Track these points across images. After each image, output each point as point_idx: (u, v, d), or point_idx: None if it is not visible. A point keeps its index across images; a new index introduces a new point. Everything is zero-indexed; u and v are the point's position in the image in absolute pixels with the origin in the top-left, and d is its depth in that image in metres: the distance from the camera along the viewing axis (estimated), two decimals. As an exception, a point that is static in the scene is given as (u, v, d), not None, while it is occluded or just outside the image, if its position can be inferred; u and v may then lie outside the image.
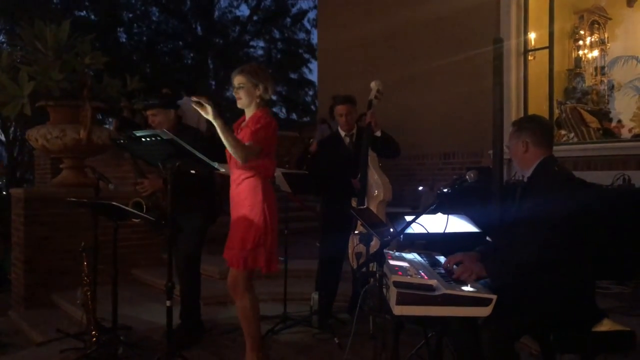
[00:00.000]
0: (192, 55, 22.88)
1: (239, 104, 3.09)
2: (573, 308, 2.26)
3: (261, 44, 24.15)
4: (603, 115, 6.98)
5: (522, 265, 2.29)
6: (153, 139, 2.54)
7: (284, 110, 24.63)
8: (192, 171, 3.20)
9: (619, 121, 6.83)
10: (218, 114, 2.74)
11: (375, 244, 3.41)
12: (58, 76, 5.03)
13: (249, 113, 3.10)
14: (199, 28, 22.72)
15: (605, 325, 2.28)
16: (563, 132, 6.78)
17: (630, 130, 6.52)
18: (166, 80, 16.34)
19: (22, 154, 16.97)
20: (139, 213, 3.22)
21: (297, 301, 4.62)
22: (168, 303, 2.79)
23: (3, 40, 16.34)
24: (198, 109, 2.69)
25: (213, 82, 22.74)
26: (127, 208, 3.19)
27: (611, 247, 3.77)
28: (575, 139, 6.59)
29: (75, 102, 5.39)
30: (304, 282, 4.88)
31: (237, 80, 3.04)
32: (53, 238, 5.23)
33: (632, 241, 4.20)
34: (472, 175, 2.56)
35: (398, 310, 2.05)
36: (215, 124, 2.73)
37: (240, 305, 3.11)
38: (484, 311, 2.05)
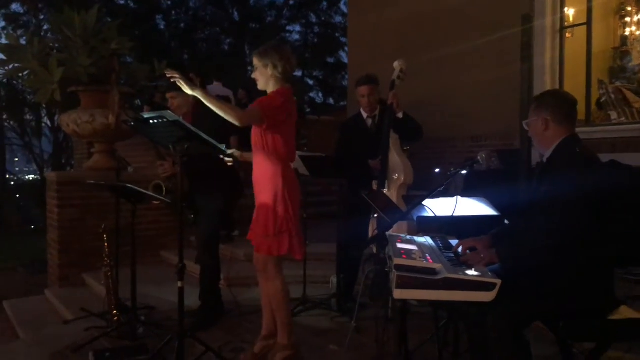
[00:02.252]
0: (229, 41, 23.04)
1: (258, 86, 3.10)
2: (588, 294, 2.15)
3: (297, 28, 24.11)
4: (645, 95, 6.62)
5: (537, 249, 2.18)
6: (160, 120, 2.55)
7: (320, 94, 24.59)
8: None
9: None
10: (195, 84, 2.74)
11: (398, 228, 3.34)
12: (86, 62, 5.13)
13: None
14: (235, 14, 22.82)
15: (623, 313, 2.16)
16: (607, 112, 6.47)
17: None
18: (203, 67, 16.55)
19: (66, 140, 17.53)
20: (153, 195, 3.26)
21: (319, 284, 4.63)
22: (180, 284, 2.82)
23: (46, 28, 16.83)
24: (179, 84, 2.68)
25: (250, 68, 22.85)
26: (141, 190, 3.24)
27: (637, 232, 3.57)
28: (623, 119, 6.26)
29: (104, 88, 5.49)
30: (327, 266, 4.87)
31: (253, 62, 3.07)
32: (84, 220, 5.38)
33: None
34: (483, 155, 2.46)
35: (398, 293, 2.01)
36: (196, 94, 2.73)
37: (271, 289, 3.13)
38: (487, 296, 1.98)
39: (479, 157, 2.48)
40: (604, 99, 6.48)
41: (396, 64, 3.96)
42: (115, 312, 3.64)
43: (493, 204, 3.22)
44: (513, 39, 6.12)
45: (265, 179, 3.04)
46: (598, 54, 6.43)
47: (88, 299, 4.62)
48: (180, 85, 2.70)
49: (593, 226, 2.13)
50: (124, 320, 3.64)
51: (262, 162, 3.04)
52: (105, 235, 3.72)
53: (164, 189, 3.66)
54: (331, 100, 24.59)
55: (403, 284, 1.99)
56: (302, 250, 3.13)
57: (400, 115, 3.89)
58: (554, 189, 2.18)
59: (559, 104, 2.36)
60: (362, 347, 3.36)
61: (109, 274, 3.70)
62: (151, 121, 2.58)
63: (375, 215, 3.84)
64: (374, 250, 3.70)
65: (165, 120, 2.53)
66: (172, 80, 2.70)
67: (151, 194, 3.32)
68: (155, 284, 4.79)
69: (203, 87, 4.07)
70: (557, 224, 2.13)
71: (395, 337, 2.33)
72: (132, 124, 2.75)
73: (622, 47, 6.89)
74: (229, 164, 3.19)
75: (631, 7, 6.77)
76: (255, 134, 3.01)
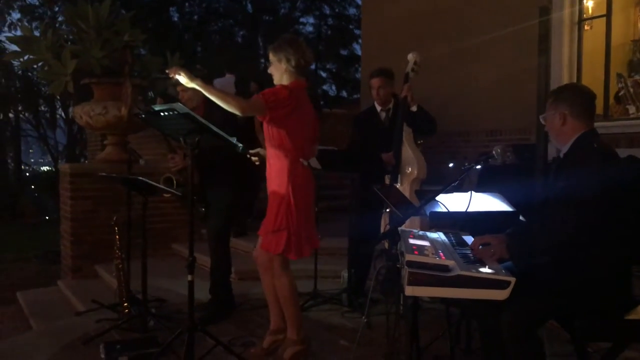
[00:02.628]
0: (242, 33, 23.00)
1: (274, 81, 3.05)
2: (604, 293, 2.09)
3: (311, 20, 23.96)
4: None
5: (548, 246, 2.13)
6: (170, 113, 2.53)
7: (333, 87, 24.47)
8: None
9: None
10: (193, 75, 2.71)
11: (410, 223, 3.30)
12: (98, 54, 5.13)
13: None
14: (249, 6, 22.76)
15: (638, 313, 2.10)
16: (625, 106, 6.35)
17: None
18: (217, 59, 16.52)
19: (80, 132, 17.66)
20: (164, 187, 3.25)
21: (331, 279, 4.60)
22: (189, 277, 2.81)
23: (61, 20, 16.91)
24: (179, 79, 2.67)
25: (263, 60, 22.82)
26: (153, 183, 3.23)
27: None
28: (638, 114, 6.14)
29: (117, 80, 5.49)
30: (339, 260, 4.84)
31: (269, 57, 3.03)
32: (97, 212, 5.41)
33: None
34: (499, 150, 2.41)
35: (410, 290, 1.97)
36: (196, 86, 2.70)
37: (278, 285, 3.10)
38: (500, 294, 1.93)
39: (493, 152, 2.42)
40: (622, 92, 6.35)
41: (410, 56, 3.90)
42: (126, 304, 3.65)
43: (508, 199, 3.16)
44: (530, 31, 6.00)
45: (271, 174, 3.02)
46: (617, 47, 6.29)
47: (100, 291, 4.64)
48: (179, 78, 2.67)
49: (610, 223, 2.08)
50: (135, 312, 3.65)
51: (270, 157, 3.02)
52: (116, 228, 3.72)
53: (175, 182, 3.65)
54: (344, 93, 24.45)
55: (415, 281, 1.95)
56: (302, 251, 3.03)
57: (414, 108, 3.84)
58: (571, 184, 2.12)
59: (577, 98, 2.29)
60: (373, 343, 3.33)
61: (120, 266, 3.70)
62: (162, 113, 2.56)
63: (388, 210, 3.79)
64: (386, 245, 3.67)
65: (175, 112, 2.50)
66: (171, 76, 2.67)
67: (162, 186, 3.31)
68: (167, 277, 4.80)
69: (204, 78, 4.05)
70: (573, 220, 2.08)
71: (407, 333, 2.29)
72: (143, 116, 2.73)
73: (642, 39, 6.74)
74: (256, 162, 3.14)
75: (652, -3, 6.62)
76: (265, 129, 2.97)
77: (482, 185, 4.29)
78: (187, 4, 22.05)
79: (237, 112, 2.75)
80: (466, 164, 2.52)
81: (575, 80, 6.26)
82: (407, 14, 8.35)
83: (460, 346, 2.84)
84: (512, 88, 6.73)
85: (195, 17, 21.95)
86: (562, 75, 6.13)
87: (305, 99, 3.02)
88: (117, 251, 3.72)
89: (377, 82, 4.00)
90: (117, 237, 3.72)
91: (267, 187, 3.10)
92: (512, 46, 6.64)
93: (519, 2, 6.63)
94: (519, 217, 3.00)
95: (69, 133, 18.37)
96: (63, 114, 18.64)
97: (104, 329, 3.57)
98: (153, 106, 2.57)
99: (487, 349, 2.47)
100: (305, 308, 3.98)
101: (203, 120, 2.60)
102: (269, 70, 3.04)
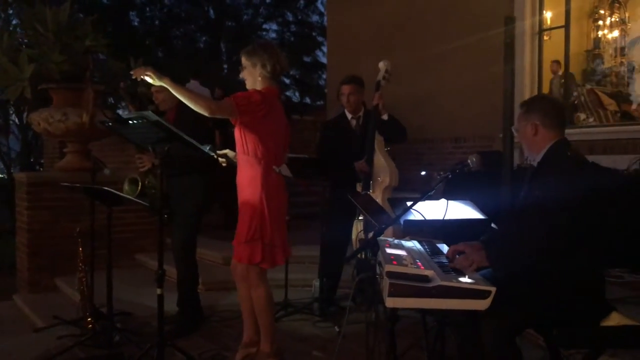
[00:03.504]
0: (204, 39, 22.74)
1: (247, 85, 3.00)
2: (580, 300, 2.12)
3: (274, 26, 23.91)
4: (622, 97, 6.73)
5: (528, 254, 2.15)
6: (140, 121, 2.44)
7: (297, 93, 24.45)
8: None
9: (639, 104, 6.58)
10: (161, 74, 2.63)
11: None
12: (58, 58, 4.95)
13: None
14: (211, 11, 22.54)
15: (614, 319, 2.13)
16: (580, 115, 6.56)
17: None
18: (179, 65, 16.27)
19: (35, 139, 17.02)
20: (131, 198, 3.14)
21: (300, 287, 4.55)
22: (158, 291, 2.72)
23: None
24: (145, 78, 2.59)
25: (226, 66, 22.62)
26: (119, 193, 3.11)
27: (625, 235, 3.60)
28: (593, 122, 6.35)
29: (78, 85, 5.31)
30: (307, 269, 4.80)
31: (242, 61, 2.99)
32: (56, 222, 5.20)
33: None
34: (474, 159, 2.42)
35: (391, 302, 1.94)
36: (163, 84, 2.62)
37: (254, 296, 3.03)
38: (482, 304, 1.92)
39: (469, 161, 2.43)
40: (577, 101, 6.56)
41: (381, 65, 3.91)
42: (89, 319, 3.50)
43: (480, 206, 3.18)
44: (494, 40, 6.13)
45: (244, 182, 2.95)
46: (572, 56, 6.51)
47: (60, 305, 4.45)
48: (148, 77, 2.59)
49: (586, 230, 2.11)
50: (99, 327, 3.50)
51: (243, 164, 2.95)
52: (79, 239, 3.58)
53: (140, 183, 3.52)
54: (308, 100, 24.48)
55: (395, 292, 1.93)
56: (276, 260, 3.00)
57: (385, 116, 3.84)
58: (546, 192, 2.15)
59: (548, 108, 2.35)
60: (347, 353, 3.29)
61: (84, 279, 3.55)
62: (130, 122, 2.47)
63: (360, 218, 3.78)
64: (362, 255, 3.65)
65: (145, 120, 2.41)
66: (139, 77, 2.58)
67: (129, 197, 3.19)
68: (131, 289, 4.64)
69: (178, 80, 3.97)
70: (550, 227, 2.10)
71: (387, 344, 2.27)
72: (110, 124, 2.63)
73: (595, 49, 6.99)
74: (223, 164, 3.06)
75: (604, 10, 6.87)
76: (236, 135, 2.91)
77: (447, 192, 4.32)
78: (147, 9, 21.67)
79: (205, 113, 2.66)
80: (442, 173, 2.52)
81: (536, 88, 6.43)
82: (372, 22, 8.42)
83: (436, 355, 2.83)
84: (475, 96, 6.85)
85: (157, 22, 21.60)
86: (524, 83, 6.29)
87: (278, 105, 2.98)
88: (81, 264, 3.57)
89: (347, 89, 3.99)
90: (81, 249, 3.57)
91: (237, 196, 3.03)
92: (476, 55, 6.77)
93: (482, 12, 6.77)
94: (491, 224, 3.03)
95: (24, 140, 17.67)
96: (17, 120, 17.93)
97: (66, 346, 3.40)
98: (122, 114, 2.47)
99: (464, 357, 2.47)
100: (276, 318, 3.91)
101: (174, 129, 2.52)
102: (242, 75, 2.97)
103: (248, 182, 2.92)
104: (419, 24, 7.72)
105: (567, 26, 6.30)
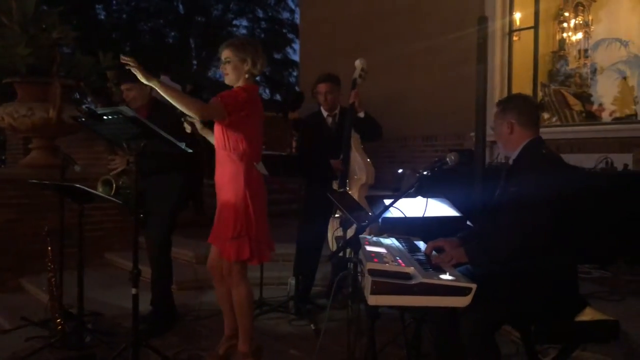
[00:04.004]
0: (173, 34, 22.40)
1: (226, 80, 2.94)
2: (557, 296, 2.17)
3: (244, 23, 23.73)
4: (585, 98, 6.92)
5: (506, 251, 2.19)
6: (115, 116, 2.38)
7: (267, 91, 24.34)
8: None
9: (600, 104, 6.78)
10: (150, 73, 2.56)
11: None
12: (24, 51, 4.80)
13: None
14: (180, 6, 22.21)
15: (588, 315, 2.19)
16: (546, 114, 6.72)
17: (611, 114, 6.48)
18: (147, 60, 15.97)
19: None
20: (104, 195, 3.06)
21: (275, 286, 4.53)
22: (134, 291, 2.66)
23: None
24: (135, 73, 2.52)
25: (195, 62, 22.33)
26: (91, 190, 3.03)
27: (593, 232, 3.71)
28: (559, 122, 6.52)
29: (45, 79, 5.16)
30: (282, 267, 4.78)
31: (224, 54, 2.90)
32: (21, 221, 5.04)
33: (614, 225, 4.15)
34: (452, 157, 2.45)
35: (373, 300, 1.94)
36: (152, 85, 2.56)
37: (235, 295, 2.99)
38: (463, 301, 1.94)
39: (447, 159, 2.45)
40: (543, 100, 6.72)
41: (357, 63, 3.91)
42: (59, 320, 3.40)
43: (454, 203, 3.22)
44: (465, 40, 6.22)
45: (225, 179, 2.91)
46: (539, 57, 6.65)
47: (27, 306, 4.30)
48: (136, 73, 2.52)
49: (561, 226, 2.16)
50: (69, 328, 3.40)
51: (223, 161, 2.91)
52: (48, 238, 3.47)
53: (114, 185, 3.45)
54: (278, 97, 24.39)
55: (378, 290, 1.93)
56: (263, 256, 3.01)
57: (361, 114, 3.84)
58: (522, 189, 2.19)
59: (524, 107, 2.40)
60: (324, 351, 3.28)
61: (53, 279, 3.45)
62: (105, 117, 2.40)
63: (337, 215, 3.78)
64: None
65: (121, 116, 2.35)
66: (127, 67, 2.50)
67: (102, 194, 3.12)
68: (101, 288, 4.52)
69: None
70: (527, 224, 2.14)
71: (367, 341, 2.27)
72: (83, 119, 2.55)
73: (560, 51, 7.16)
74: (187, 130, 2.98)
75: (569, 12, 7.05)
76: (217, 131, 2.87)
77: (421, 190, 4.36)
78: (114, 2, 21.22)
79: (195, 116, 2.63)
80: (421, 170, 2.53)
81: (506, 88, 6.55)
82: (345, 20, 8.44)
83: (414, 352, 2.85)
84: (446, 95, 6.95)
85: (124, 15, 21.16)
86: (494, 83, 6.41)
87: (259, 102, 2.97)
88: (50, 263, 3.46)
89: (324, 87, 3.98)
90: (50, 248, 3.47)
91: (216, 192, 2.99)
92: (447, 54, 6.86)
93: (453, 12, 6.86)
94: (466, 222, 3.07)
95: (-17, 135, 17.07)
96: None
97: (35, 348, 3.30)
98: (96, 109, 2.39)
99: (441, 354, 2.49)
100: (251, 317, 3.89)
101: (152, 125, 2.46)
102: (223, 69, 2.90)
103: (229, 179, 2.89)
104: (390, 23, 7.77)
105: (536, 27, 6.44)
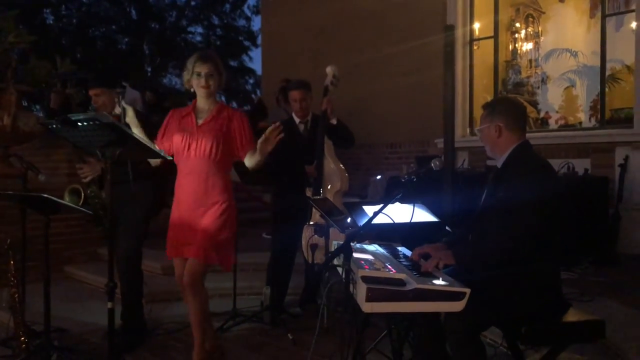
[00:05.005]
0: (126, 40, 21.88)
1: (205, 93, 2.94)
2: (543, 298, 2.20)
3: (199, 30, 23.45)
4: (533, 105, 7.17)
5: (497, 255, 2.20)
6: (91, 123, 2.26)
7: (223, 98, 24.08)
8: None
9: (547, 111, 7.03)
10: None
11: (336, 235, 3.26)
12: (-23, 56, 4.55)
13: (208, 104, 2.98)
14: (133, 12, 21.74)
15: (574, 315, 2.23)
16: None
17: (556, 121, 6.72)
18: (99, 66, 15.54)
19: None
20: (73, 206, 2.92)
21: (246, 296, 4.44)
22: (109, 305, 2.52)
23: None
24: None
25: (149, 69, 21.87)
26: (60, 201, 2.88)
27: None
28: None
29: (-1, 85, 4.92)
30: (253, 276, 4.70)
31: (207, 69, 2.90)
32: (-22, 234, 4.75)
33: (579, 227, 4.28)
34: (437, 162, 2.46)
35: (368, 307, 1.91)
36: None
37: (200, 301, 2.94)
38: (457, 306, 1.94)
39: (432, 164, 2.47)
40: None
41: (329, 70, 3.90)
42: (23, 337, 3.21)
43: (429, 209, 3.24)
44: (429, 47, 6.33)
45: (215, 188, 2.93)
46: (498, 66, 6.85)
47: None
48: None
49: (549, 229, 2.19)
50: (34, 346, 3.22)
51: (211, 174, 2.92)
52: (10, 252, 3.28)
53: (83, 194, 3.30)
54: (234, 104, 24.18)
55: (373, 297, 1.91)
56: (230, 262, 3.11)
57: (334, 121, 3.84)
58: (512, 194, 2.21)
59: (511, 111, 2.41)
60: (301, 360, 3.24)
61: (16, 295, 3.26)
62: (80, 124, 2.29)
63: (311, 223, 3.74)
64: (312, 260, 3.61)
65: (97, 122, 2.24)
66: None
67: (71, 204, 2.97)
68: (64, 303, 4.30)
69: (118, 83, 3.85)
70: (516, 228, 2.16)
71: (355, 348, 2.23)
72: (54, 126, 2.42)
73: (513, 60, 7.40)
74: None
75: (520, 23, 7.30)
76: (203, 143, 2.90)
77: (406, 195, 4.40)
78: (63, 7, 20.54)
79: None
80: (405, 176, 2.54)
81: (468, 95, 6.70)
82: (307, 27, 8.43)
83: (398, 356, 2.83)
84: (409, 102, 7.04)
85: (74, 20, 20.50)
86: (457, 90, 6.52)
87: None
88: (12, 278, 3.27)
89: (298, 94, 3.95)
90: (12, 261, 3.27)
91: (188, 202, 2.94)
92: (410, 61, 6.96)
93: (415, 20, 6.97)
94: (444, 227, 3.10)
95: None
96: None
97: (-4, 369, 3.12)
98: (70, 115, 2.27)
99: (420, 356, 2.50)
100: (224, 329, 3.79)
101: (132, 133, 2.37)
102: (206, 82, 2.92)
103: (220, 189, 2.94)
104: (352, 29, 7.82)
105: (495, 37, 6.62)
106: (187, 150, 2.91)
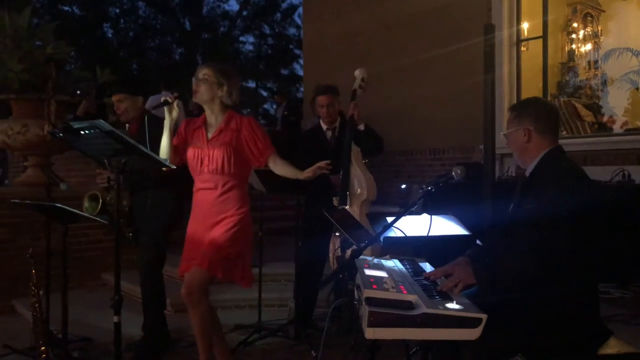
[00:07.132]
0: (180, 51, 22.52)
1: (196, 98, 2.88)
2: (577, 325, 1.94)
3: (251, 39, 23.84)
4: (596, 109, 6.73)
5: (521, 273, 1.96)
6: (92, 131, 2.20)
7: (274, 106, 24.31)
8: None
9: (611, 115, 6.58)
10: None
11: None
12: (17, 67, 4.68)
13: (215, 114, 2.91)
14: (187, 23, 22.35)
15: (614, 347, 1.95)
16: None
17: (622, 126, 6.27)
18: (154, 77, 15.98)
19: (4, 151, 16.45)
20: (87, 215, 2.88)
21: (276, 307, 4.32)
22: (116, 319, 2.46)
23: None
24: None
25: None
26: (72, 210, 2.85)
27: (612, 248, 3.46)
28: (565, 134, 6.31)
29: (39, 95, 5.04)
30: (284, 287, 4.57)
31: (203, 71, 2.85)
32: (14, 241, 4.87)
33: (633, 241, 3.90)
34: (458, 171, 2.24)
35: (370, 333, 1.72)
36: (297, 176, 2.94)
37: (205, 312, 2.82)
38: (471, 333, 1.72)
39: (453, 173, 2.25)
40: (557, 110, 6.51)
41: (357, 73, 3.72)
42: (43, 347, 3.21)
43: (462, 221, 3.01)
44: (471, 50, 6.04)
45: (231, 201, 2.86)
46: (548, 68, 6.48)
47: (18, 330, 4.11)
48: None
49: (582, 247, 1.93)
50: (54, 356, 3.21)
51: (226, 183, 2.84)
52: (32, 261, 3.29)
53: (101, 200, 3.27)
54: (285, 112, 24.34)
55: (376, 322, 1.72)
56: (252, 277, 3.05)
57: (361, 127, 3.65)
58: (541, 207, 1.96)
59: (542, 112, 2.14)
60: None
61: (37, 304, 3.26)
62: (82, 132, 2.23)
63: (337, 234, 3.57)
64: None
65: (97, 130, 2.18)
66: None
67: (86, 214, 2.94)
68: (95, 311, 4.34)
69: (141, 89, 3.86)
70: (545, 246, 1.91)
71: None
72: (61, 135, 2.38)
73: (570, 62, 6.99)
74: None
75: (577, 23, 6.89)
76: (217, 155, 2.82)
77: (428, 207, 4.17)
78: (122, 20, 21.38)
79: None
80: (425, 186, 2.33)
81: (515, 99, 6.35)
82: (348, 33, 8.31)
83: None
84: (453, 106, 6.75)
85: (131, 33, 21.30)
86: (503, 93, 6.20)
87: None
88: (34, 287, 3.28)
89: (325, 99, 3.80)
90: (34, 271, 3.29)
91: (203, 215, 2.86)
92: (454, 65, 6.68)
93: (459, 22, 6.70)
94: (475, 241, 2.85)
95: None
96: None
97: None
98: (72, 123, 2.23)
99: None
100: (249, 342, 3.67)
101: (130, 140, 2.29)
102: (196, 85, 2.84)
103: (236, 202, 2.87)
104: (394, 34, 7.63)
105: (544, 37, 6.25)
106: (200, 166, 2.86)
